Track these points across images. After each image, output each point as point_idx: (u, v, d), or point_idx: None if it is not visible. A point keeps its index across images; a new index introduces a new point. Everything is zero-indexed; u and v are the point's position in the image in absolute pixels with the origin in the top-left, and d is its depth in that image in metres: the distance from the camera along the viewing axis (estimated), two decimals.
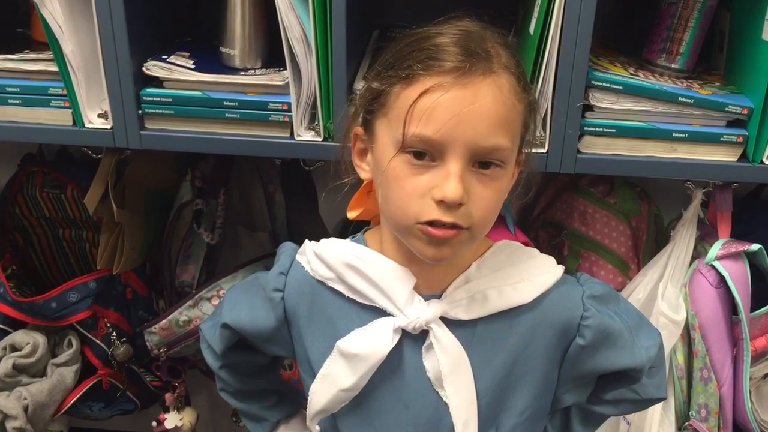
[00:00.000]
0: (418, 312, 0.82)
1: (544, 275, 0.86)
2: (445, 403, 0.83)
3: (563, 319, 0.86)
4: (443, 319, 0.83)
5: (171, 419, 1.44)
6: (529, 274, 0.85)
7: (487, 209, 0.78)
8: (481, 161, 0.76)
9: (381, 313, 0.84)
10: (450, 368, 0.82)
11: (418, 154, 0.75)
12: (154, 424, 1.45)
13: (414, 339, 0.84)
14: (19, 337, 1.31)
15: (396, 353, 0.83)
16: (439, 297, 0.84)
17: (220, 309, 0.97)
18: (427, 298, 0.84)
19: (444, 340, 0.82)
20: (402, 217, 0.77)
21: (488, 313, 0.84)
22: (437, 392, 0.84)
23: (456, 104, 0.73)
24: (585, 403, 0.94)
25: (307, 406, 0.89)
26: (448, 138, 0.73)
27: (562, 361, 0.88)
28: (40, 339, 1.32)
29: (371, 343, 0.83)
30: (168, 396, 1.43)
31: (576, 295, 0.87)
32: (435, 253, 0.78)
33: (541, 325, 0.86)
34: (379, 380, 0.84)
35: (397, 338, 0.83)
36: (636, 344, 0.88)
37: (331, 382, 0.85)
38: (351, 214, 0.93)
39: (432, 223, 0.75)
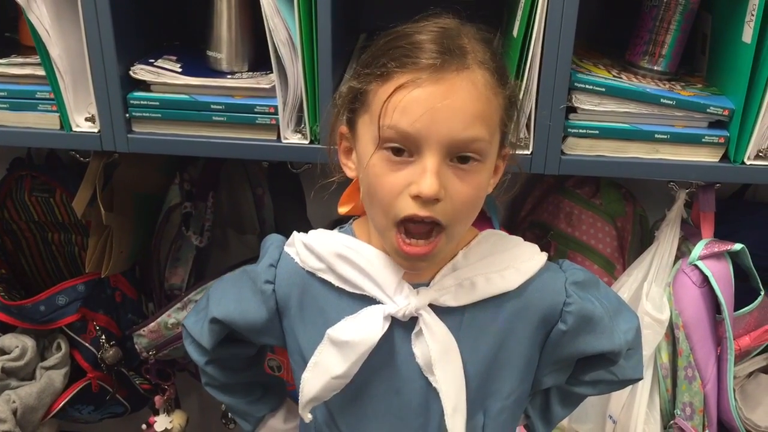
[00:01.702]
0: (407, 299, 0.84)
1: (529, 262, 0.88)
2: (435, 389, 0.85)
3: (546, 305, 0.88)
4: (432, 306, 0.85)
5: (161, 422, 1.44)
6: (514, 261, 0.87)
7: (465, 204, 0.78)
8: (459, 155, 0.77)
9: (371, 301, 0.85)
10: (439, 354, 0.84)
11: (396, 151, 0.76)
12: (144, 426, 1.45)
13: (404, 326, 0.86)
14: (7, 340, 1.32)
15: (386, 341, 0.85)
16: (427, 285, 0.86)
17: (206, 304, 0.97)
18: (415, 287, 0.85)
19: (433, 327, 0.84)
20: (383, 218, 0.79)
21: (476, 300, 0.85)
22: (427, 378, 0.85)
23: (430, 99, 0.74)
24: (564, 384, 0.97)
25: (299, 394, 0.89)
26: (423, 133, 0.74)
27: (544, 345, 0.90)
28: (29, 342, 1.32)
29: (361, 330, 0.84)
30: (158, 399, 1.43)
31: (559, 281, 0.89)
32: (411, 265, 0.82)
33: (526, 311, 0.88)
34: (370, 367, 0.86)
35: (387, 325, 0.84)
36: (615, 328, 0.91)
37: (323, 370, 0.86)
38: (342, 210, 0.95)
39: (411, 220, 0.77)
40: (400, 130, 0.75)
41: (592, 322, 0.89)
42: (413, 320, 0.85)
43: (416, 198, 0.75)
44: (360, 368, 0.85)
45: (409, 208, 0.76)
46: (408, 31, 0.79)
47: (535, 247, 0.91)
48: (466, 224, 0.82)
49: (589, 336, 0.89)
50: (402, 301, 0.84)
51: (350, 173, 0.87)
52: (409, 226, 0.78)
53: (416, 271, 0.83)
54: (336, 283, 0.87)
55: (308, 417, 0.90)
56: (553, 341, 0.90)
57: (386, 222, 0.79)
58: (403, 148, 0.76)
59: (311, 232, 0.91)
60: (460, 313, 0.86)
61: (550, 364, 0.92)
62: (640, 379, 1.00)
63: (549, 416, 1.01)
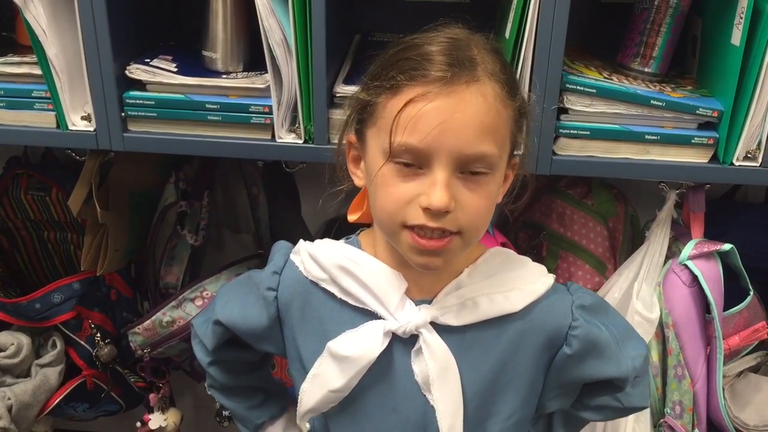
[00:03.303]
0: (408, 316, 0.83)
1: (534, 284, 0.87)
2: (433, 408, 0.84)
3: (551, 328, 0.87)
4: (433, 324, 0.84)
5: (155, 420, 1.44)
6: (520, 283, 0.86)
7: (476, 214, 0.78)
8: (469, 167, 0.76)
9: (372, 315, 0.85)
10: (438, 373, 0.83)
11: (406, 163, 0.76)
12: (139, 424, 1.45)
13: (404, 343, 0.85)
14: (3, 337, 1.32)
15: (386, 356, 0.84)
16: (429, 302, 0.85)
17: (213, 305, 0.98)
18: (418, 303, 0.85)
19: (433, 345, 0.83)
20: (390, 223, 0.79)
21: (478, 320, 0.85)
22: (425, 396, 0.85)
23: (440, 113, 0.74)
24: (569, 408, 0.95)
25: (298, 404, 0.90)
26: (434, 146, 0.74)
27: (549, 368, 0.89)
28: (25, 340, 1.33)
29: (361, 345, 0.84)
30: (152, 396, 1.44)
31: (565, 304, 0.88)
32: (426, 261, 0.79)
33: (530, 333, 0.87)
34: (369, 383, 0.85)
35: (387, 341, 0.84)
36: (622, 354, 0.89)
37: (321, 382, 0.86)
38: (351, 217, 0.94)
39: (421, 228, 0.77)
40: (410, 146, 0.75)
41: (598, 347, 0.87)
42: (414, 337, 0.84)
43: (426, 210, 0.75)
44: (358, 383, 0.85)
45: (418, 217, 0.76)
46: (417, 42, 0.79)
47: (543, 269, 0.90)
48: (480, 232, 0.81)
49: (595, 361, 0.88)
50: (403, 317, 0.83)
51: (358, 182, 0.87)
52: (419, 232, 0.77)
53: (431, 270, 0.81)
54: (339, 294, 0.87)
55: (306, 427, 0.91)
56: (558, 365, 0.88)
57: (394, 228, 0.78)
58: (413, 162, 0.76)
59: (317, 241, 0.91)
60: (461, 333, 0.85)
61: (555, 388, 0.91)
62: (646, 407, 0.99)
63: None
